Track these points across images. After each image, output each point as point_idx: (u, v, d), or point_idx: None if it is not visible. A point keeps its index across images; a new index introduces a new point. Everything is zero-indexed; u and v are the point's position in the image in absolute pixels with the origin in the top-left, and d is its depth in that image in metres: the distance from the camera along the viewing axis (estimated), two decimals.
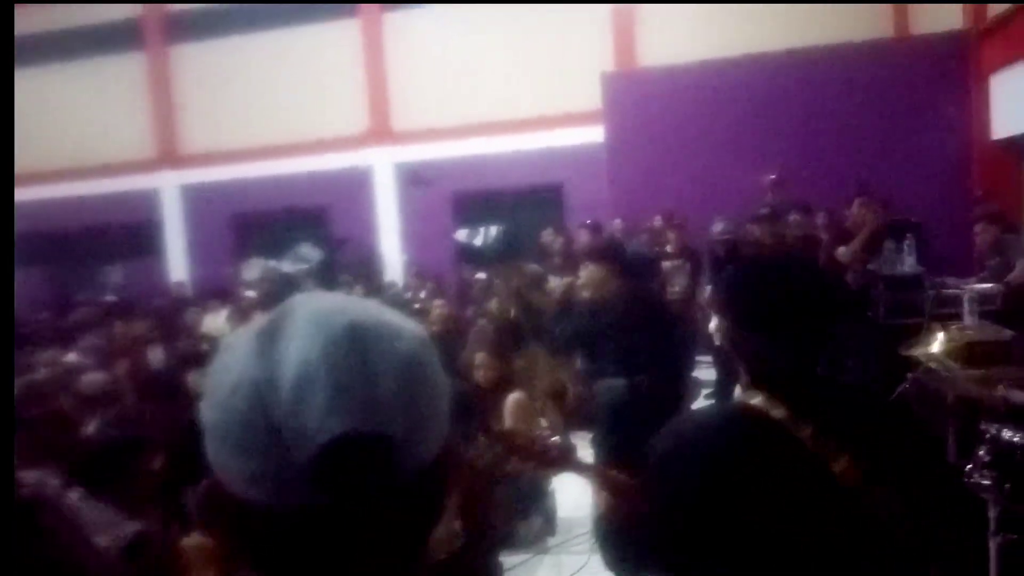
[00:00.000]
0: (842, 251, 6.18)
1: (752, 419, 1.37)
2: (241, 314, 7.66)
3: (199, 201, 13.68)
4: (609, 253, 4.29)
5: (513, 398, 3.61)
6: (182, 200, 13.98)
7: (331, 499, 0.66)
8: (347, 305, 0.72)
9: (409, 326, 0.74)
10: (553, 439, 1.99)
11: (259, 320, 0.73)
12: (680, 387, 6.30)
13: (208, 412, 0.70)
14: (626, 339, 3.90)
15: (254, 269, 12.41)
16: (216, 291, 10.43)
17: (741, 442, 1.36)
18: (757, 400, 1.38)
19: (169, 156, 14.00)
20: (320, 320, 0.69)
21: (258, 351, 0.68)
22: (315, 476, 0.65)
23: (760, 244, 6.62)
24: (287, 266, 12.32)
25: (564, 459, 1.80)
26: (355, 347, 0.68)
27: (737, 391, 5.35)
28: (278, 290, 9.37)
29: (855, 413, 1.45)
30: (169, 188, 14.00)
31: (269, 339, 0.68)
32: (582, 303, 4.59)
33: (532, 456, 1.77)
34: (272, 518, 0.67)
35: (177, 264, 13.97)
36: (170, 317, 8.44)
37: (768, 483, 1.31)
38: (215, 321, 7.69)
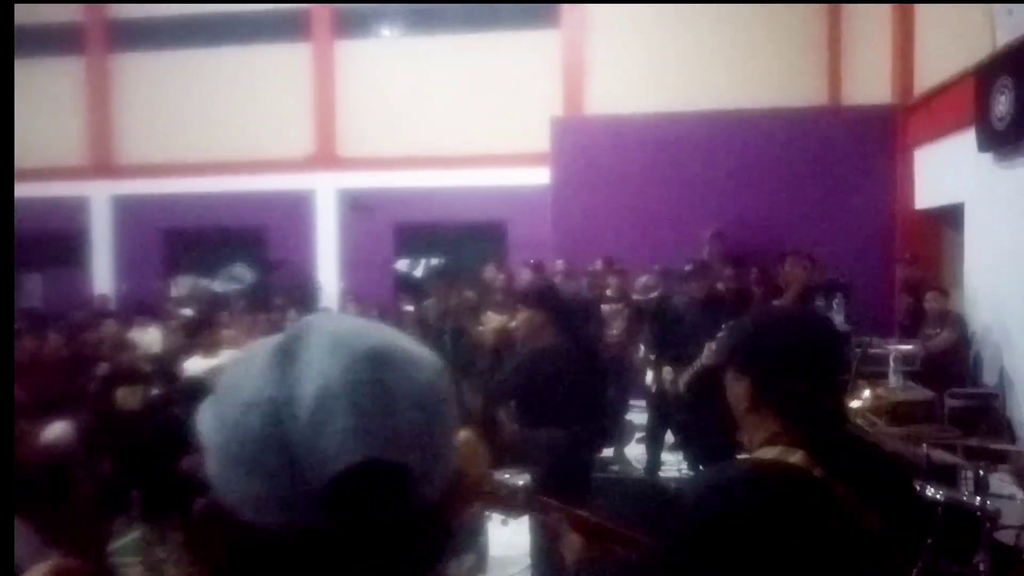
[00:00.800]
0: (773, 304, 6.40)
1: (797, 477, 1.33)
2: (173, 332, 7.41)
3: (131, 213, 13.22)
4: (544, 298, 4.20)
5: (459, 437, 3.53)
6: (113, 211, 13.49)
7: (342, 525, 0.65)
8: (366, 329, 0.72)
9: (427, 355, 0.73)
10: (518, 482, 1.96)
11: (272, 337, 0.71)
12: (615, 433, 6.37)
13: (214, 430, 0.67)
14: (562, 388, 3.85)
15: (183, 286, 12.08)
16: (142, 306, 10.07)
17: (789, 499, 1.32)
18: (796, 458, 1.34)
19: (103, 165, 13.53)
20: (340, 342, 0.68)
21: (275, 369, 0.67)
22: (329, 501, 0.64)
23: (692, 297, 6.80)
24: (218, 285, 12.03)
25: (531, 502, 1.78)
26: (376, 373, 0.67)
27: (668, 436, 5.42)
28: (209, 309, 9.13)
29: (870, 466, 1.44)
30: (100, 198, 13.50)
31: (286, 358, 0.67)
32: (517, 350, 4.54)
33: (498, 501, 1.74)
34: (277, 542, 0.66)
35: (102, 277, 13.42)
36: (87, 330, 8.07)
37: (816, 542, 1.29)
38: (143, 337, 7.41)
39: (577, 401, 3.88)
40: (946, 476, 3.89)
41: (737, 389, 1.46)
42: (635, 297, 7.05)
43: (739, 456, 1.53)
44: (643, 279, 7.19)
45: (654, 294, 6.66)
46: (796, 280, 6.49)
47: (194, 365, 5.02)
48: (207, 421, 0.68)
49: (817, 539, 1.30)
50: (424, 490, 0.68)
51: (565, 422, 3.89)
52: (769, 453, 1.38)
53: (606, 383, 5.91)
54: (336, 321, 0.72)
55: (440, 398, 0.71)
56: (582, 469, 4.02)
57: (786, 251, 7.00)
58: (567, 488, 3.91)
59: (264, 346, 0.70)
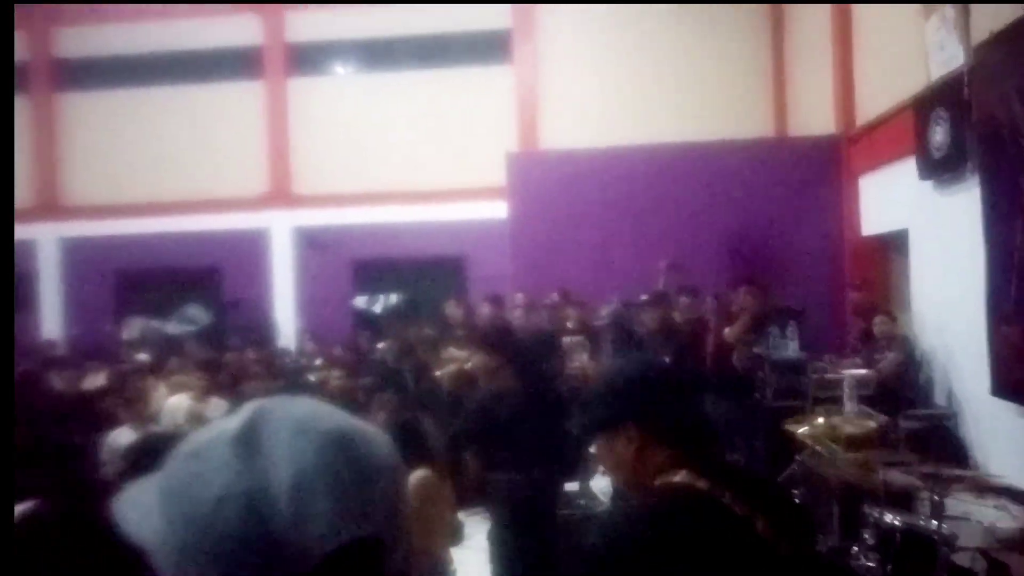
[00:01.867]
0: (728, 331, 6.54)
1: (686, 493, 1.47)
2: (122, 376, 7.21)
3: (80, 255, 12.92)
4: (499, 341, 4.15)
5: (418, 476, 3.47)
6: (60, 253, 13.17)
7: None
8: (318, 411, 0.73)
9: (374, 430, 0.76)
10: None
11: (222, 427, 0.70)
12: (579, 468, 6.34)
13: (172, 530, 0.65)
14: (519, 432, 3.81)
15: (135, 329, 11.78)
16: (92, 351, 9.79)
17: (685, 514, 1.46)
18: (679, 476, 1.49)
19: (49, 206, 13.23)
20: (300, 427, 0.69)
21: (241, 461, 0.66)
22: None
23: (649, 327, 6.90)
24: (172, 327, 11.76)
25: None
26: (345, 453, 0.68)
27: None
28: (162, 352, 8.91)
29: (756, 483, 1.60)
30: (47, 240, 13.17)
31: (249, 448, 0.67)
32: (474, 393, 4.49)
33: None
34: None
35: (51, 321, 13.04)
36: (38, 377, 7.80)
37: (716, 547, 1.41)
38: (94, 382, 7.19)
39: (535, 444, 3.85)
40: (903, 500, 3.97)
41: (619, 441, 1.57)
42: (595, 323, 7.11)
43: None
44: (603, 310, 7.27)
45: (607, 318, 6.74)
46: (749, 308, 6.61)
47: (121, 438, 4.53)
48: (156, 524, 0.65)
49: (720, 545, 1.41)
50: (394, 558, 0.70)
51: (524, 466, 3.86)
52: (673, 477, 1.52)
53: (565, 420, 5.91)
54: (286, 405, 0.72)
55: (397, 470, 0.74)
56: (544, 512, 3.99)
57: (741, 280, 7.13)
58: (529, 532, 3.89)
59: (217, 438, 0.69)
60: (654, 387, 1.59)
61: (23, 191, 13.30)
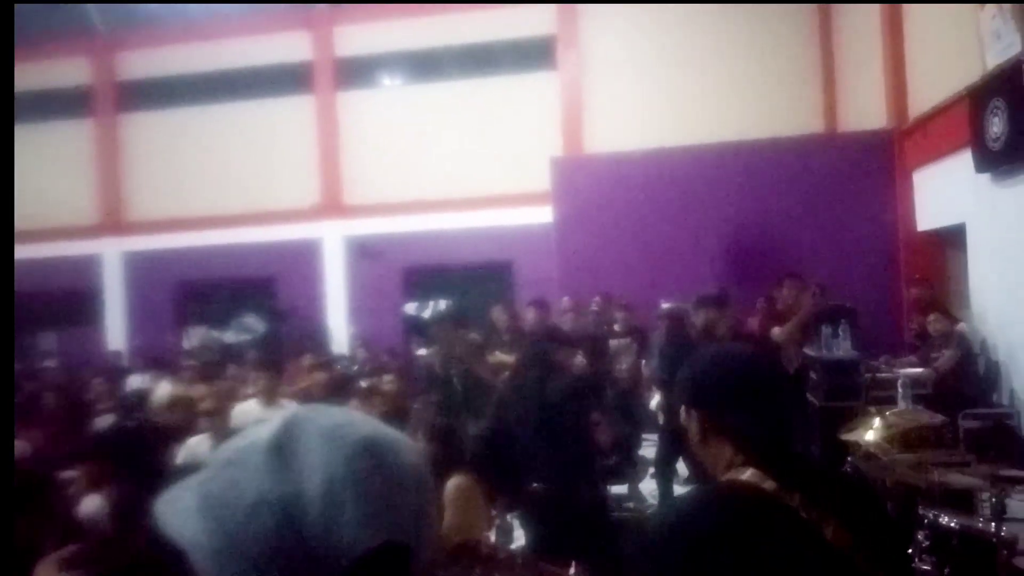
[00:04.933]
0: (776, 331, 6.35)
1: (747, 492, 1.43)
2: (180, 383, 7.45)
3: (142, 268, 13.41)
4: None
5: (454, 484, 3.42)
6: (124, 267, 13.69)
7: None
8: (350, 419, 0.77)
9: (404, 437, 0.79)
10: (514, 548, 1.97)
11: (256, 435, 0.74)
12: (627, 469, 6.31)
13: (209, 533, 0.69)
14: (563, 436, 3.82)
15: (195, 338, 12.18)
16: (155, 360, 10.13)
17: (741, 513, 1.42)
18: (747, 475, 1.45)
19: (113, 223, 13.77)
20: (332, 435, 0.73)
21: (275, 468, 0.70)
22: None
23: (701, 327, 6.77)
24: (230, 336, 12.12)
25: (532, 568, 1.79)
26: (374, 461, 0.72)
27: (683, 468, 5.35)
28: (219, 360, 9.17)
29: (830, 483, 1.54)
30: (112, 254, 13.72)
31: (282, 456, 0.71)
32: (516, 396, 4.49)
33: (497, 567, 1.75)
34: None
35: (115, 333, 13.56)
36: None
37: (771, 549, 1.37)
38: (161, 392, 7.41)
39: (577, 448, 3.85)
40: (961, 501, 3.86)
41: (690, 425, 1.58)
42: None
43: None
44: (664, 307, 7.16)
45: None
46: (796, 303, 6.47)
47: (200, 446, 4.64)
48: (195, 526, 0.69)
49: (775, 548, 1.37)
50: (418, 566, 0.73)
51: (565, 470, 3.85)
52: (724, 477, 1.50)
53: (615, 421, 5.90)
54: (318, 414, 0.76)
55: (424, 479, 0.77)
56: (583, 521, 3.98)
57: (783, 275, 6.96)
58: (568, 542, 3.88)
59: (251, 446, 0.73)
60: (724, 380, 1.56)
61: (89, 209, 13.89)
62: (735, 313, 6.92)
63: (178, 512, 0.71)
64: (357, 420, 0.77)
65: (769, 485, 1.42)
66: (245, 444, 0.74)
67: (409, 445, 0.78)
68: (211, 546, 0.69)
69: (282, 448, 0.71)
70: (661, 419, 6.17)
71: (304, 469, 0.70)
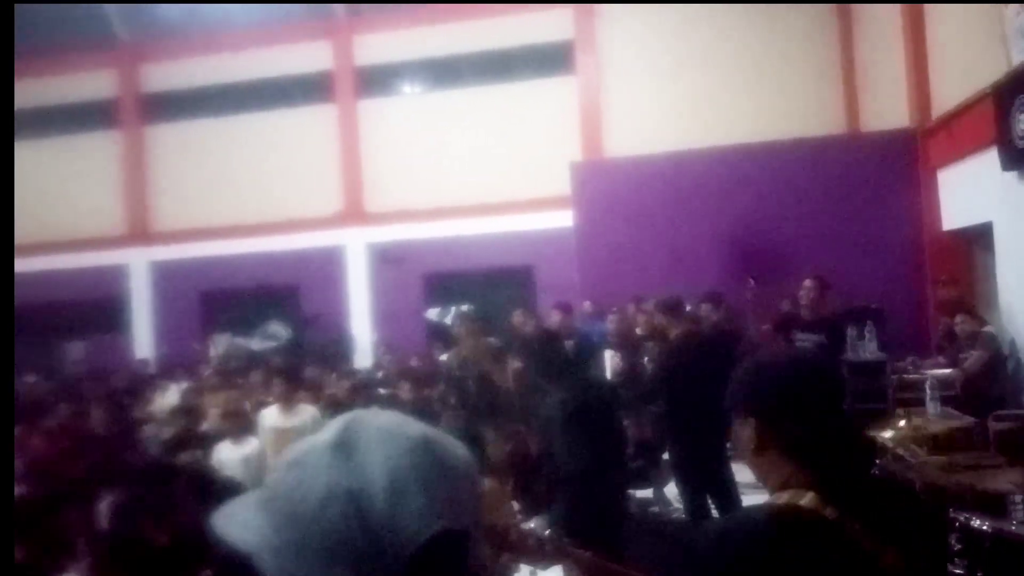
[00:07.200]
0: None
1: (809, 520, 1.32)
2: (199, 390, 7.55)
3: (168, 277, 13.61)
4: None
5: (485, 485, 3.48)
6: (151, 276, 13.89)
7: None
8: (401, 420, 0.82)
9: (450, 436, 0.84)
10: (546, 532, 1.99)
11: (317, 438, 0.79)
12: (653, 472, 6.30)
13: (277, 530, 0.74)
14: (585, 438, 3.84)
15: (221, 345, 12.30)
16: (183, 368, 10.26)
17: (804, 546, 1.31)
18: (806, 500, 1.33)
19: (140, 232, 13.98)
20: (391, 434, 0.78)
21: (340, 465, 0.75)
22: (412, 573, 0.73)
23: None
24: (255, 343, 12.24)
25: (560, 552, 1.81)
26: (431, 455, 0.77)
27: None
28: (243, 367, 9.27)
29: (886, 502, 1.44)
30: (138, 264, 13.93)
31: (346, 453, 0.76)
32: (540, 400, 4.49)
33: (526, 552, 1.77)
34: None
35: (142, 341, 13.75)
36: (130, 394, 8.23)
37: None
38: (169, 399, 7.52)
39: (600, 450, 3.87)
40: (993, 504, 3.81)
41: (743, 433, 1.45)
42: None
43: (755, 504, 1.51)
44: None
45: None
46: (813, 301, 6.39)
47: (225, 453, 4.73)
48: (261, 527, 0.74)
49: None
50: (477, 551, 0.78)
51: (589, 472, 3.87)
52: (781, 498, 1.37)
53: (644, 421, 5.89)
54: (374, 416, 0.82)
55: (475, 472, 0.83)
56: (610, 514, 3.99)
57: (806, 277, 6.89)
58: (595, 535, 3.90)
59: (315, 447, 0.78)
60: (783, 386, 1.41)
61: (116, 220, 14.11)
62: (732, 314, 6.84)
63: (238, 521, 0.76)
64: (408, 421, 0.82)
65: (830, 513, 1.31)
66: (307, 447, 0.79)
67: (456, 441, 0.82)
68: (279, 545, 0.73)
69: (345, 446, 0.76)
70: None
71: (367, 464, 0.74)
